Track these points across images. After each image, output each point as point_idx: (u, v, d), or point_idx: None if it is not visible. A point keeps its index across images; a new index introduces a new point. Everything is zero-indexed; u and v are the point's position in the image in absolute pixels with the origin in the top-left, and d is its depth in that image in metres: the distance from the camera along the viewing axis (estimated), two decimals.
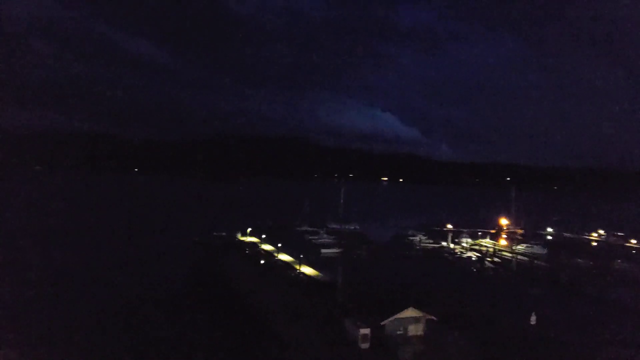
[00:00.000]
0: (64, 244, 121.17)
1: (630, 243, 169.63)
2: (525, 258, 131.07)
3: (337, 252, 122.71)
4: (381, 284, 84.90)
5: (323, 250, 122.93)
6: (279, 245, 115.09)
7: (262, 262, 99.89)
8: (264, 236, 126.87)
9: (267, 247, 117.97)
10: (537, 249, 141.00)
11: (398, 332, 56.06)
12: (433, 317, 57.64)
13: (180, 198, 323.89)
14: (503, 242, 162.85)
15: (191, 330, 59.29)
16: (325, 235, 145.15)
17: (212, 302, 72.76)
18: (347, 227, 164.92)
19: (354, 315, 58.39)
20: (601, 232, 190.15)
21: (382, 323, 55.55)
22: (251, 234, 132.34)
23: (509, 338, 57.57)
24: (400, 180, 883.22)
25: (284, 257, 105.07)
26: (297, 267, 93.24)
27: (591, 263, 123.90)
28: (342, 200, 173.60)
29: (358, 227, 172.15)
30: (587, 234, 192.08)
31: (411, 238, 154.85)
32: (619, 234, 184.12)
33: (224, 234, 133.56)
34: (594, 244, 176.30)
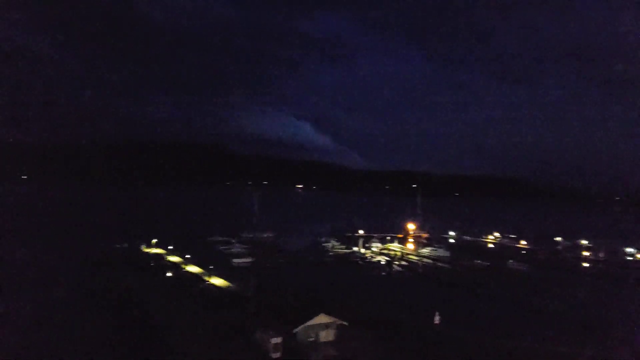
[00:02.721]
0: None
1: (520, 244, 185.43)
2: (430, 260, 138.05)
3: (249, 262, 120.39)
4: (293, 292, 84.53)
5: (234, 260, 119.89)
6: (187, 256, 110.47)
7: (168, 274, 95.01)
8: (170, 247, 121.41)
9: (174, 258, 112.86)
10: (441, 252, 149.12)
11: (310, 339, 55.91)
12: (344, 322, 58.24)
13: (79, 208, 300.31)
14: (410, 246, 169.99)
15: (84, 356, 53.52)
16: (237, 245, 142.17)
17: (109, 321, 65.05)
18: (260, 235, 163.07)
19: (265, 325, 57.40)
20: (497, 234, 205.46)
21: (294, 331, 55.18)
22: (157, 245, 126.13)
23: (414, 338, 59.79)
24: (314, 187, 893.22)
25: (193, 268, 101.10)
26: (207, 278, 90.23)
27: (488, 264, 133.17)
28: (255, 208, 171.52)
29: (272, 235, 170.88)
30: (484, 237, 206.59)
31: (324, 245, 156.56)
32: (511, 236, 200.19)
33: (126, 245, 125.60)
34: (491, 245, 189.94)
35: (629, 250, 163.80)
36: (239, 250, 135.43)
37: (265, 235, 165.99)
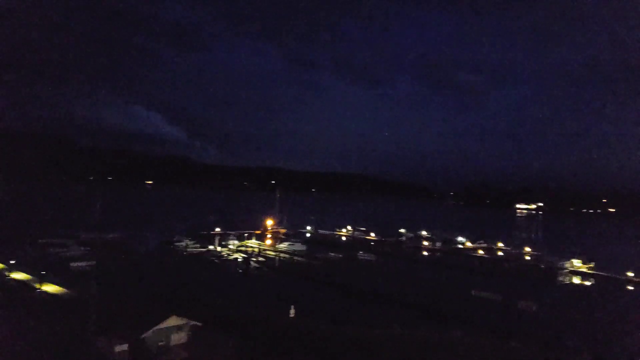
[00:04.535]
0: None
1: (370, 236, 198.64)
2: (287, 255, 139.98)
3: (90, 265, 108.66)
4: (142, 295, 78.52)
5: (73, 264, 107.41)
6: (12, 262, 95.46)
7: None
8: None
9: None
10: (298, 246, 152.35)
11: (160, 343, 52.01)
12: (197, 323, 55.42)
13: None
14: (268, 241, 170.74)
15: None
16: (75, 247, 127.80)
17: None
18: (104, 236, 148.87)
19: (108, 332, 51.90)
20: (349, 228, 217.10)
21: (142, 336, 50.82)
22: None
23: (269, 333, 59.28)
24: (167, 183, 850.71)
25: (19, 275, 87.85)
26: (38, 285, 79.04)
27: (341, 256, 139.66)
28: (98, 206, 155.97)
29: (117, 235, 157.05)
30: (338, 230, 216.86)
31: (177, 244, 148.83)
32: (361, 229, 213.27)
33: None
34: (344, 238, 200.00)
35: (460, 239, 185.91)
36: (78, 252, 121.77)
37: (110, 236, 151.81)
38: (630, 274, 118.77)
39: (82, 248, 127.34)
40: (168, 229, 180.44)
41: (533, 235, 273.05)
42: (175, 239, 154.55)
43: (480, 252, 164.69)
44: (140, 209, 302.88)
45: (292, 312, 67.19)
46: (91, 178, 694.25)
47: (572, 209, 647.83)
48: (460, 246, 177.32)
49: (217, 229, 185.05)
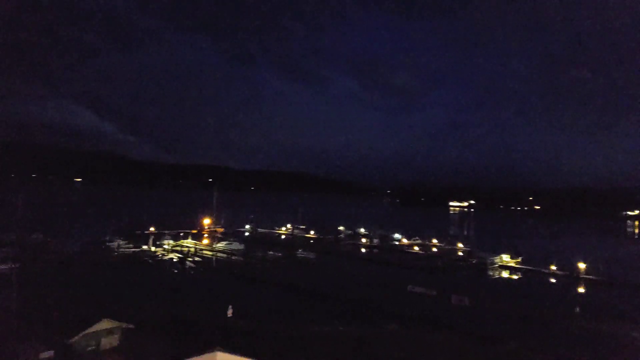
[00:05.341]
0: None
1: (310, 234, 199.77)
2: (225, 255, 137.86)
3: (11, 268, 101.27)
4: (70, 298, 74.43)
5: None
6: None
7: None
8: None
9: None
10: (235, 245, 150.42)
11: (89, 348, 49.62)
12: (130, 326, 53.41)
13: None
14: (205, 241, 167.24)
15: None
16: None
17: None
18: (27, 236, 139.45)
19: (32, 338, 48.90)
20: (288, 226, 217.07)
21: (69, 341, 48.29)
22: None
23: (205, 334, 58.11)
24: (98, 181, 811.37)
25: None
26: None
27: (280, 254, 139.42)
28: (20, 204, 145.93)
29: (42, 236, 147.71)
30: (277, 228, 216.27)
31: (109, 244, 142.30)
32: (301, 227, 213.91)
33: None
34: (283, 237, 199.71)
35: (397, 236, 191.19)
36: None
37: (33, 236, 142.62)
38: (553, 267, 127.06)
39: (3, 249, 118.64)
40: (99, 229, 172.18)
41: (465, 231, 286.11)
42: (106, 238, 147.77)
43: (416, 248, 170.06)
44: (68, 207, 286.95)
45: (229, 312, 66.27)
46: (12, 175, 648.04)
47: (501, 206, 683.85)
48: (396, 243, 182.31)
49: (152, 228, 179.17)
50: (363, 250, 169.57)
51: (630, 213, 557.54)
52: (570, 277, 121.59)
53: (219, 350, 37.00)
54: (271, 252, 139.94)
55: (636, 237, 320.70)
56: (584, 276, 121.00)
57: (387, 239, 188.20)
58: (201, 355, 36.73)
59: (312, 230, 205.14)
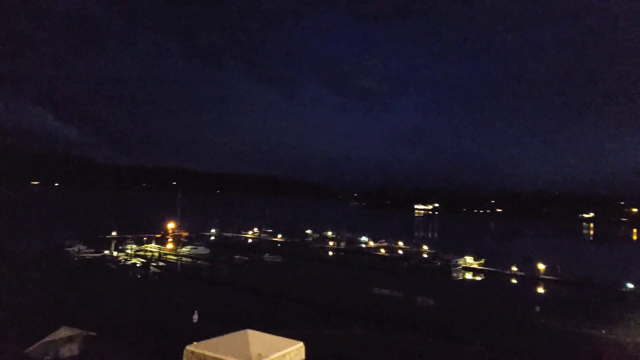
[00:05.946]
0: None
1: (277, 238, 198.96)
2: (190, 259, 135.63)
3: None
4: (27, 305, 71.43)
5: None
6: None
7: None
8: None
9: None
10: (201, 250, 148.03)
11: (47, 358, 47.70)
12: (91, 333, 51.64)
13: None
14: (169, 245, 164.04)
15: None
16: None
17: None
18: None
19: None
20: (255, 230, 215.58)
21: (26, 351, 46.28)
22: None
23: (171, 340, 56.90)
24: (56, 184, 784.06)
25: None
26: None
27: (247, 258, 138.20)
28: None
29: None
30: (244, 232, 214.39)
31: (68, 249, 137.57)
32: (268, 230, 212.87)
33: None
34: (250, 240, 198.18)
35: (363, 238, 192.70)
36: None
37: None
38: (514, 269, 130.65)
39: None
40: (57, 233, 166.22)
41: (430, 234, 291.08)
42: (66, 243, 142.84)
43: (382, 251, 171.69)
44: (23, 211, 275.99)
45: (195, 317, 65.11)
46: None
47: (464, 209, 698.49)
48: (363, 245, 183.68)
49: (114, 233, 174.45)
50: (330, 253, 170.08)
51: (585, 215, 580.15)
52: (531, 278, 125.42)
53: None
54: (237, 256, 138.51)
55: (591, 238, 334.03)
56: (544, 277, 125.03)
57: (354, 242, 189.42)
58: (232, 333, 36.82)
59: (280, 233, 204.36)
